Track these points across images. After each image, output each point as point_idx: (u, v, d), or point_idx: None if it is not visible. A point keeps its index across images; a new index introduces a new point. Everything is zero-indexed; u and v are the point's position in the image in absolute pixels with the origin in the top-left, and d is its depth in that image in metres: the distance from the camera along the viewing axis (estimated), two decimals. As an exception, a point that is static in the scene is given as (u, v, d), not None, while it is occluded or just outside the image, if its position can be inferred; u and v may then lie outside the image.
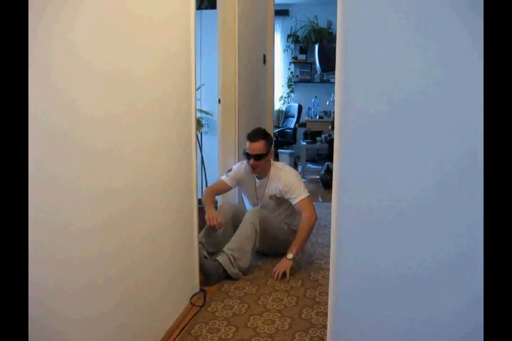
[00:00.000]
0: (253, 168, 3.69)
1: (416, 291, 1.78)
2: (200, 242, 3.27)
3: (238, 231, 3.57)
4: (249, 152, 3.66)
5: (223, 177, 3.92)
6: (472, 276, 1.65)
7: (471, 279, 1.66)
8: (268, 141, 3.70)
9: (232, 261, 3.42)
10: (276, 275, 3.47)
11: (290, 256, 3.51)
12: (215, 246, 3.63)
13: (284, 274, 3.47)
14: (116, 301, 2.08)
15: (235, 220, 3.76)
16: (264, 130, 3.84)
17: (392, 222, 1.77)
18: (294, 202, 3.68)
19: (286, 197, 3.71)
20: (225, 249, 3.47)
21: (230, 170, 3.91)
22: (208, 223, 3.57)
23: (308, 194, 3.70)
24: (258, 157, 3.64)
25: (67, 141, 1.68)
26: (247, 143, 3.67)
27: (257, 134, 3.68)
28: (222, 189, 3.95)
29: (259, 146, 3.63)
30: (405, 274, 1.78)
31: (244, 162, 3.83)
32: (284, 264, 3.51)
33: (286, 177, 3.71)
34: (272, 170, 3.78)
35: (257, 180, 3.86)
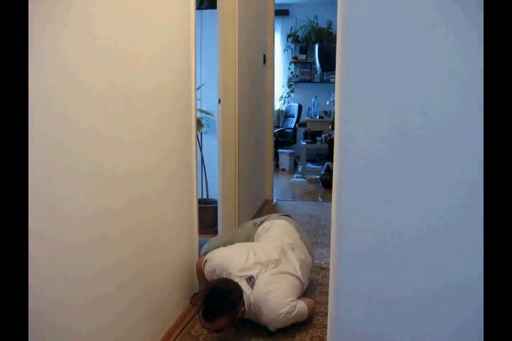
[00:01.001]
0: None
1: (417, 314, 1.77)
2: None
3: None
4: (206, 327, 2.63)
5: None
6: (472, 302, 1.64)
7: (472, 305, 1.66)
8: (228, 311, 2.58)
9: None
10: None
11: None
12: None
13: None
14: (118, 307, 2.08)
15: None
16: (227, 297, 2.62)
17: (393, 245, 1.76)
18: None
19: None
20: None
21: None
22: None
23: (301, 310, 2.77)
24: (221, 330, 2.62)
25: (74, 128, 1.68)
26: (203, 322, 2.59)
27: (215, 310, 2.56)
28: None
29: (219, 324, 2.57)
30: (406, 297, 1.77)
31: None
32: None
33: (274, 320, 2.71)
34: (252, 306, 2.74)
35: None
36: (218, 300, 2.59)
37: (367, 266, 1.80)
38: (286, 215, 3.54)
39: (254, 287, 2.74)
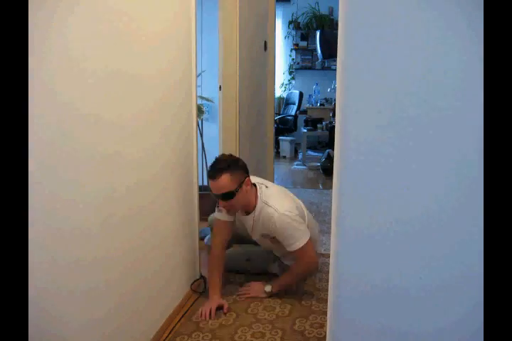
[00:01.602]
0: (227, 209, 2.91)
1: (416, 308, 1.78)
2: None
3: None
4: (213, 192, 2.81)
5: (217, 215, 3.04)
6: (472, 294, 1.65)
7: (472, 297, 1.66)
8: (234, 172, 2.76)
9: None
10: (241, 296, 3.01)
11: (268, 289, 2.99)
12: None
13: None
14: (120, 294, 2.09)
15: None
16: (229, 157, 2.87)
17: (392, 239, 1.76)
18: (289, 249, 2.91)
19: (280, 241, 2.93)
20: None
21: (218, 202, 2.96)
22: (199, 313, 2.83)
23: (307, 237, 2.87)
24: (226, 196, 2.77)
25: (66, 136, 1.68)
26: (210, 183, 2.80)
27: (215, 169, 2.76)
28: (225, 236, 3.06)
29: (221, 183, 2.73)
30: (407, 286, 1.78)
31: None
32: (256, 290, 3.03)
33: (277, 221, 2.82)
34: (258, 204, 2.91)
35: (241, 217, 3.05)
36: (218, 161, 2.80)
37: (367, 253, 1.80)
38: None
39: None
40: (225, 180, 2.72)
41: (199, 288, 3.09)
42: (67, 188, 1.68)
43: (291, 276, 3.02)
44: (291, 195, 3.15)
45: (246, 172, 2.86)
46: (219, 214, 3.01)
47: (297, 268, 2.99)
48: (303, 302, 2.96)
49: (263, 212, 2.89)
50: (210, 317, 2.76)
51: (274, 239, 2.96)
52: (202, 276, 3.18)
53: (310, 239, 2.89)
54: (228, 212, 2.94)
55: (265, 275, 3.23)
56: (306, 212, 3.10)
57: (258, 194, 2.93)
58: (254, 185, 2.98)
